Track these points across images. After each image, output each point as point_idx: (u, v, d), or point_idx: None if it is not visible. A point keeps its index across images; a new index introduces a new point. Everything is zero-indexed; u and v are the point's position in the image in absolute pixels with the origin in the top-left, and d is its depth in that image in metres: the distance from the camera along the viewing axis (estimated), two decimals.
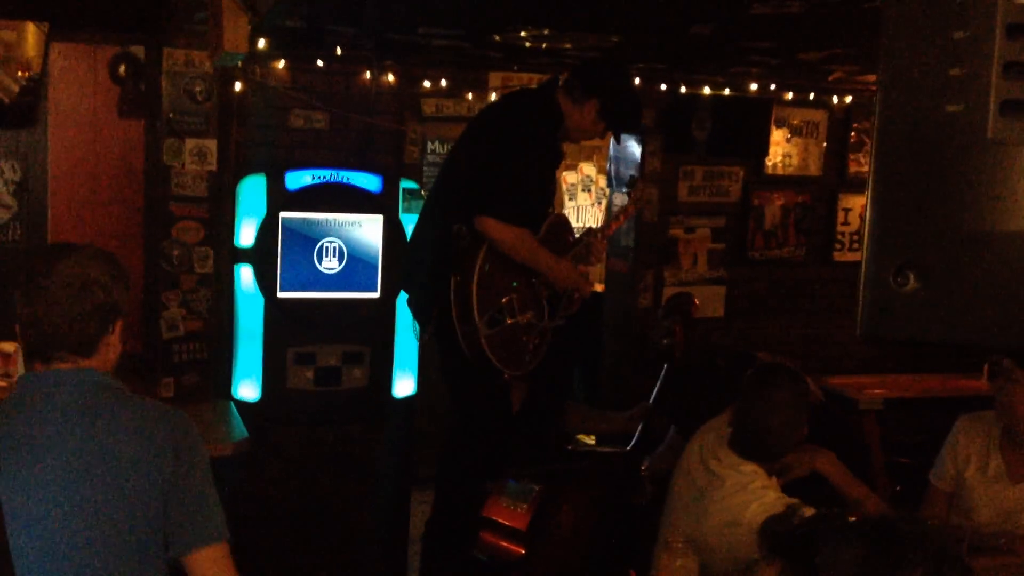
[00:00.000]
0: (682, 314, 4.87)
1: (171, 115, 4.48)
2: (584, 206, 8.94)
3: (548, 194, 4.02)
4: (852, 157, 6.27)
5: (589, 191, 9.10)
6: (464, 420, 3.98)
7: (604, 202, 8.90)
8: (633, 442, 4.50)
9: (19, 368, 4.55)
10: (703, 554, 2.79)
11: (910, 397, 5.50)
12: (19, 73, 4.68)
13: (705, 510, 3.05)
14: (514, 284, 3.71)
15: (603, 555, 4.03)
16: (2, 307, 4.64)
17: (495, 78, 5.36)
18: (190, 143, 4.50)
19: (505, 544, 3.95)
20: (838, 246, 6.30)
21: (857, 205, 6.30)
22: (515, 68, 5.38)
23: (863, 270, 1.22)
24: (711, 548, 2.90)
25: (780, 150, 6.12)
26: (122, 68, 4.68)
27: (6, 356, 4.57)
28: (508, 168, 3.67)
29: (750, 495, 2.99)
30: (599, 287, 6.53)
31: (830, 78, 5.68)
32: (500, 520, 3.97)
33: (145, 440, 2.17)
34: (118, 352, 2.33)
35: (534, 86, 4.87)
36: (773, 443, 3.07)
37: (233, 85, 4.79)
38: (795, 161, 6.16)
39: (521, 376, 3.84)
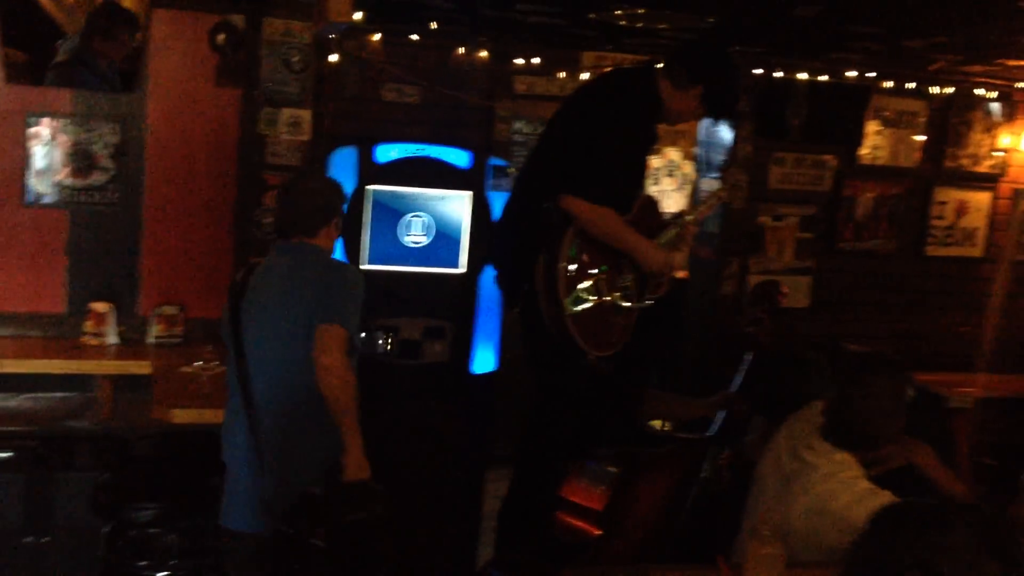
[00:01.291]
0: (769, 302, 4.79)
1: (268, 84, 4.52)
2: (668, 191, 8.85)
3: (640, 177, 3.98)
4: (949, 151, 6.10)
5: (673, 176, 9.00)
6: (547, 400, 3.96)
7: (689, 188, 8.80)
8: (714, 429, 4.45)
9: (111, 327, 4.66)
10: (787, 541, 2.75)
11: (1002, 397, 5.36)
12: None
13: (793, 497, 3.00)
14: (602, 265, 3.68)
15: (679, 540, 4.00)
16: (99, 270, 4.77)
17: (588, 57, 5.32)
18: (285, 113, 4.54)
19: (582, 525, 3.94)
20: (931, 240, 6.15)
21: (952, 199, 6.14)
22: (609, 48, 5.33)
23: None
24: (796, 536, 2.85)
25: (874, 140, 5.98)
26: (221, 37, 4.73)
27: (100, 315, 4.68)
28: (602, 149, 3.63)
29: (840, 484, 2.94)
30: (684, 274, 6.46)
31: (932, 68, 5.53)
32: (577, 501, 3.96)
33: (315, 279, 3.43)
34: (333, 239, 3.67)
35: (632, 66, 4.83)
36: (870, 431, 3.01)
37: (328, 56, 4.82)
38: (889, 152, 6.02)
39: (606, 357, 3.81)
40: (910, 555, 1.26)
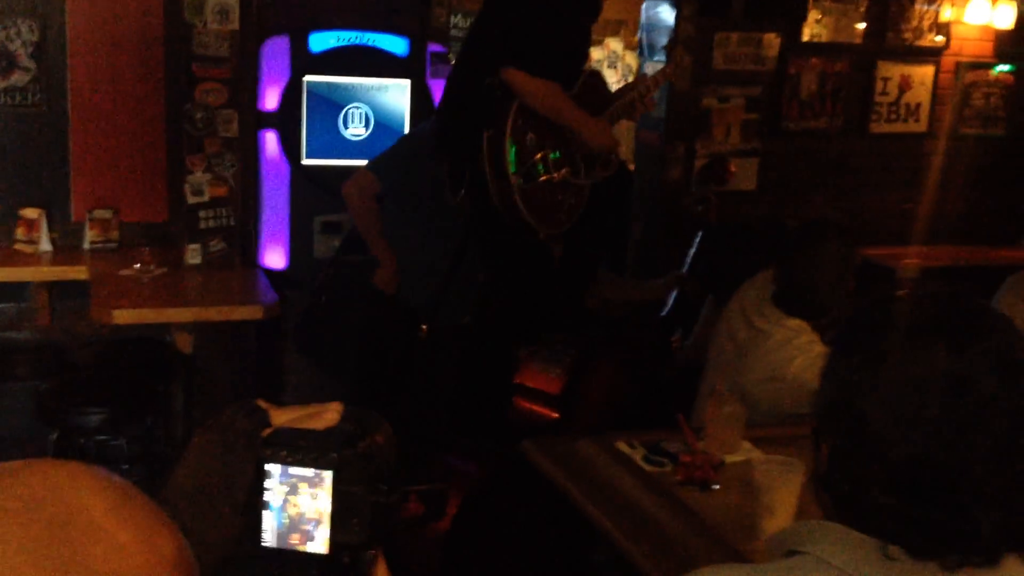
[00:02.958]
0: (717, 180, 4.77)
1: None
2: (610, 83, 8.74)
3: (583, 51, 3.87)
4: (891, 26, 6.04)
5: (615, 67, 8.88)
6: (498, 284, 3.91)
7: (631, 78, 8.68)
8: (666, 309, 4.44)
9: (43, 233, 4.51)
10: (747, 408, 2.74)
11: (946, 266, 5.42)
12: None
13: (748, 365, 2.99)
14: (547, 140, 3.60)
15: (636, 420, 4.00)
16: (26, 174, 4.59)
17: None
18: (212, 1, 4.35)
19: (539, 409, 3.93)
20: (875, 117, 6.12)
21: (896, 74, 6.10)
22: None
23: None
24: (754, 402, 2.84)
25: (817, 17, 5.90)
26: None
27: (31, 222, 4.53)
28: (540, 18, 3.53)
29: (795, 350, 2.92)
30: (629, 166, 6.39)
31: None
32: (533, 386, 3.95)
33: None
34: None
35: None
36: (820, 299, 2.98)
37: None
38: (832, 28, 5.95)
39: (556, 235, 3.75)
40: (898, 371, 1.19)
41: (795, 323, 3.01)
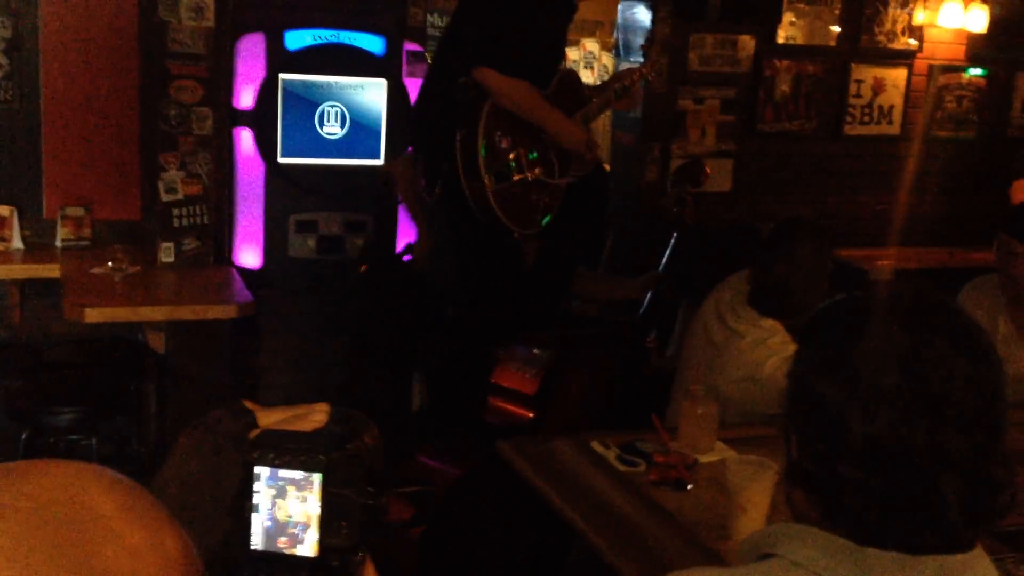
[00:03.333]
0: (693, 182, 4.77)
1: None
2: (586, 83, 8.75)
3: (558, 51, 3.88)
4: (865, 29, 6.09)
5: (591, 68, 8.89)
6: (473, 284, 3.90)
7: (607, 79, 8.70)
8: (643, 309, 4.44)
9: (14, 231, 4.47)
10: (722, 408, 2.75)
11: (920, 267, 5.46)
12: None
13: (722, 365, 3.00)
14: (521, 139, 3.60)
15: (612, 420, 4.01)
16: (1, 170, 4.55)
17: None
18: None
19: (514, 409, 3.92)
20: (849, 119, 6.16)
21: (869, 76, 6.15)
22: None
23: None
24: (730, 403, 2.86)
25: (791, 19, 5.94)
26: None
27: (2, 219, 4.49)
28: (513, 18, 3.54)
29: (768, 350, 2.94)
30: (605, 166, 6.40)
31: None
32: (509, 386, 3.94)
33: None
34: None
35: None
36: (796, 299, 3.00)
37: None
38: (806, 30, 5.98)
39: (531, 235, 3.76)
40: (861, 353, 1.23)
41: (769, 323, 3.02)
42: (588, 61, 8.85)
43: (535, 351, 3.93)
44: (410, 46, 4.90)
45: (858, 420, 1.18)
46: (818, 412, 1.22)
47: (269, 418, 0.89)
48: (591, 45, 8.74)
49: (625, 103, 3.95)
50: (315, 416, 0.87)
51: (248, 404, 0.90)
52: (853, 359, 1.20)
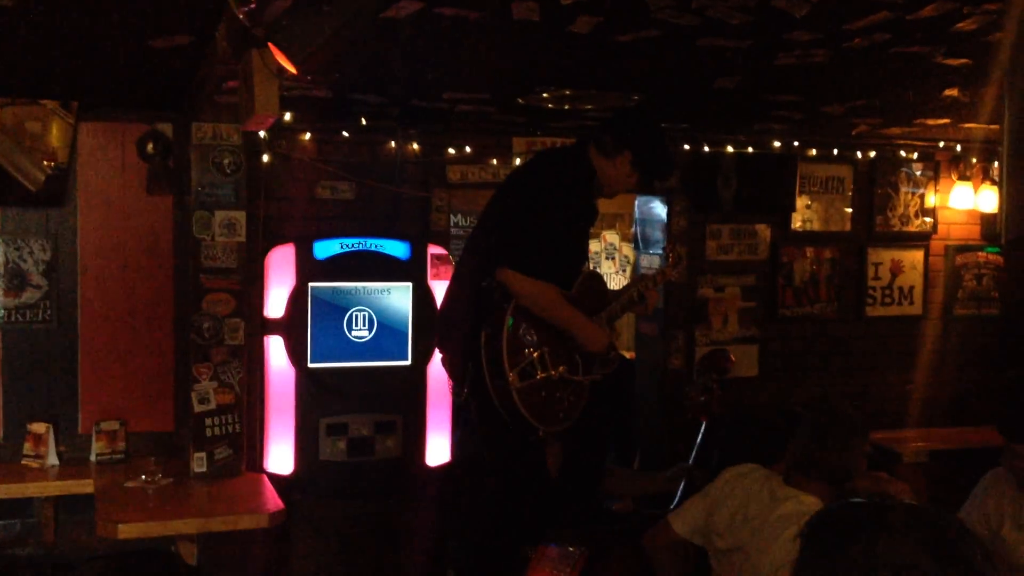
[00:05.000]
0: (718, 370, 4.81)
1: (200, 188, 4.50)
2: (608, 274, 8.92)
3: (581, 252, 3.98)
4: (878, 213, 6.23)
5: (613, 259, 9.09)
6: (501, 481, 3.90)
7: (628, 269, 8.87)
8: (675, 502, 4.41)
9: (50, 447, 4.52)
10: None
11: (953, 448, 5.38)
12: (45, 163, 4.71)
13: (761, 550, 2.97)
14: (545, 339, 3.66)
15: None
16: (35, 389, 4.65)
17: (519, 143, 5.37)
18: (219, 215, 4.52)
19: None
20: (870, 301, 6.23)
21: (886, 259, 6.25)
22: (538, 133, 5.39)
23: (1004, 173, 1.24)
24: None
25: (805, 206, 6.09)
26: (150, 146, 4.72)
27: (38, 436, 4.56)
28: (536, 222, 3.65)
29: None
30: (629, 354, 6.46)
31: (854, 132, 5.67)
32: None
33: None
34: None
35: (563, 145, 4.88)
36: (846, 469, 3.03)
37: (260, 157, 4.82)
38: (821, 217, 6.13)
39: (556, 433, 3.77)
40: (847, 560, 1.27)
41: (810, 500, 3.01)
42: (609, 252, 9.05)
43: (569, 548, 3.88)
44: (434, 249, 5.05)
45: None
46: None
47: None
48: (611, 237, 8.96)
49: (640, 309, 4.03)
50: None
51: None
52: (836, 568, 1.24)
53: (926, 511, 1.31)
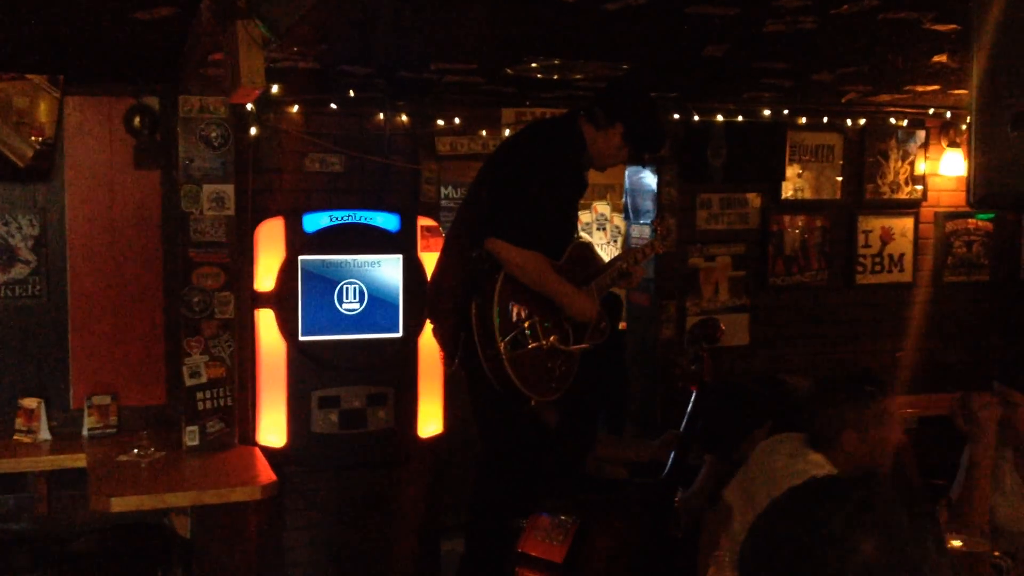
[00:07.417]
0: (708, 339, 4.82)
1: (188, 161, 4.48)
2: (599, 244, 8.92)
3: (571, 223, 3.98)
4: (868, 181, 6.23)
5: (604, 229, 9.08)
6: (494, 451, 3.91)
7: (620, 239, 8.87)
8: (666, 471, 4.42)
9: (42, 422, 4.53)
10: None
11: (942, 415, 5.40)
12: (32, 138, 4.69)
13: (758, 503, 2.99)
14: (535, 308, 3.66)
15: None
16: (26, 364, 4.65)
17: (508, 114, 5.35)
18: (208, 189, 4.50)
19: None
20: (860, 269, 6.24)
21: (876, 227, 6.26)
22: (527, 103, 5.37)
23: (973, 133, 1.26)
24: None
25: (796, 174, 6.09)
26: (137, 120, 4.70)
27: (29, 411, 4.56)
28: (526, 193, 3.64)
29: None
30: (622, 325, 6.47)
31: (843, 99, 5.66)
32: (536, 554, 3.90)
33: None
34: None
35: (554, 116, 4.86)
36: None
37: (248, 131, 4.80)
38: (811, 185, 6.13)
39: (549, 402, 3.78)
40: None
41: (816, 457, 3.03)
42: (600, 223, 9.04)
43: (561, 517, 3.90)
44: (424, 221, 5.04)
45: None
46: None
47: None
48: (602, 207, 8.95)
49: (624, 283, 4.04)
50: None
51: None
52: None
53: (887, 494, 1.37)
